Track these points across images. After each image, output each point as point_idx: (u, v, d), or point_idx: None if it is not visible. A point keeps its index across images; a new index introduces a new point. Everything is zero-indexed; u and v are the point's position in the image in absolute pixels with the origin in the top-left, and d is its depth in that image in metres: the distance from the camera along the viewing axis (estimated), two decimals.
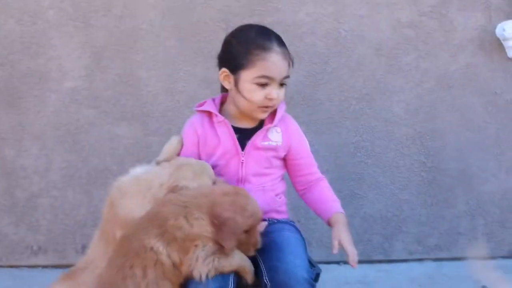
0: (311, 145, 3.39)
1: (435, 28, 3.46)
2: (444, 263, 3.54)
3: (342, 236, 2.20)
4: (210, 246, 1.94)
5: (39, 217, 3.49)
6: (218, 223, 1.94)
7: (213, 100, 2.37)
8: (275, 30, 3.44)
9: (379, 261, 3.56)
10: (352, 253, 2.13)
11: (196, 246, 1.92)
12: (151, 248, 1.91)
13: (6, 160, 3.46)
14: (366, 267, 3.49)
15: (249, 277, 2.04)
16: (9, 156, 3.46)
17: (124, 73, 3.43)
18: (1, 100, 3.43)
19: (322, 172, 3.23)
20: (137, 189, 2.12)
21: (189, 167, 2.16)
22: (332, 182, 3.46)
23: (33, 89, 3.43)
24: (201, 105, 2.35)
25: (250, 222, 2.00)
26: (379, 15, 3.44)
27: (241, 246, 2.03)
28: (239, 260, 2.01)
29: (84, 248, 3.47)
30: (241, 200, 2.02)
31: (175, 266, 1.92)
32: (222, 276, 1.97)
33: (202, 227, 1.94)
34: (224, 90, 2.40)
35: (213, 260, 1.94)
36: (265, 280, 2.07)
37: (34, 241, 3.50)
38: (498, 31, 3.44)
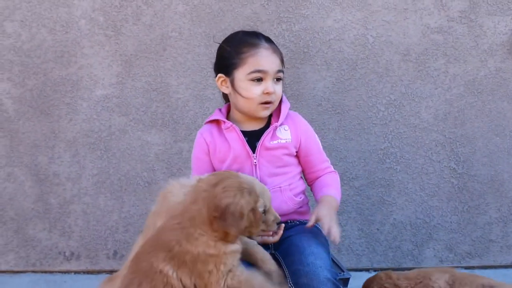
0: (339, 151, 3.43)
1: (464, 33, 3.44)
2: (475, 271, 3.50)
3: (320, 211, 2.19)
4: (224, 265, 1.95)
5: (72, 223, 3.55)
6: (219, 215, 1.93)
7: (220, 110, 2.46)
8: (303, 37, 3.47)
9: (409, 269, 3.51)
10: (328, 226, 2.12)
11: (209, 272, 1.94)
12: (160, 271, 1.94)
13: (40, 167, 3.53)
14: None
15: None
16: (42, 163, 3.53)
17: (154, 80, 3.47)
18: (34, 108, 3.50)
19: (351, 178, 3.22)
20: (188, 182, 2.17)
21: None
22: (361, 188, 3.49)
23: (65, 97, 3.49)
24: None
25: (253, 198, 1.98)
26: (407, 21, 3.43)
27: (256, 228, 2.00)
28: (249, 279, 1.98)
29: (115, 253, 3.52)
30: (233, 182, 1.98)
31: None
32: None
33: (204, 243, 1.95)
34: (227, 99, 2.47)
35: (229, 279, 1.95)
36: (289, 284, 2.09)
37: (66, 247, 3.56)
38: None
